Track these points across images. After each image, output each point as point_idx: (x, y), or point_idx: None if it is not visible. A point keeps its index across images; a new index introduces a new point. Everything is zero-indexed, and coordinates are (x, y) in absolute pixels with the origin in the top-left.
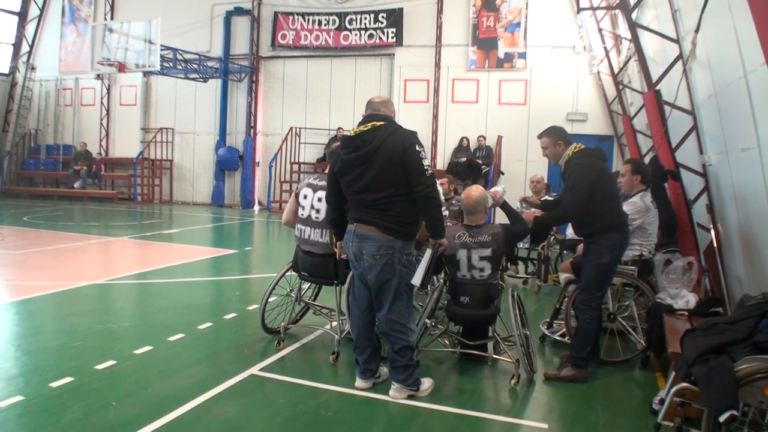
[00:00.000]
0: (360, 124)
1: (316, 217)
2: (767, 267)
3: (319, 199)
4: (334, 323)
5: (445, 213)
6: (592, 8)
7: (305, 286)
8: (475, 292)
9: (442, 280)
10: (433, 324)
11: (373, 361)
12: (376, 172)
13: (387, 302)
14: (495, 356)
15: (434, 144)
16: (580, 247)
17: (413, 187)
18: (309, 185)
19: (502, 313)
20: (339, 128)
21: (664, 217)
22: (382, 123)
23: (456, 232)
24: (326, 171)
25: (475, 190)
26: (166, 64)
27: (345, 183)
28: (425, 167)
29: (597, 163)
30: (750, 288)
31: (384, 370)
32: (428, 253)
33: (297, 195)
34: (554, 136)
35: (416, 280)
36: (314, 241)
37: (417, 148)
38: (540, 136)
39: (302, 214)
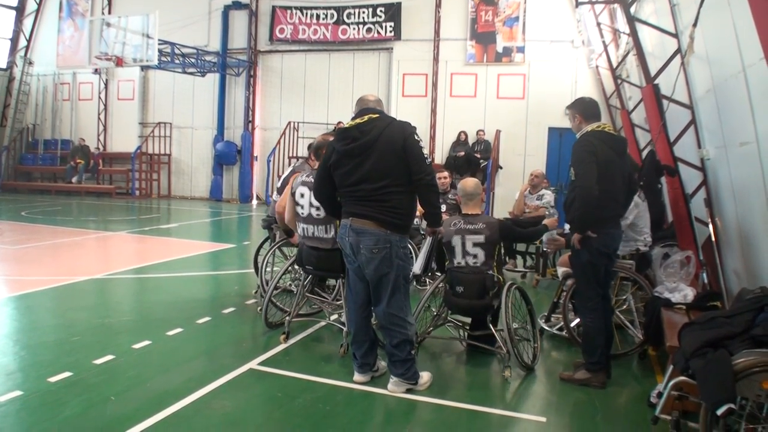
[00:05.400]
0: (355, 117)
1: (318, 214)
2: (765, 261)
3: None
4: (333, 317)
5: (442, 207)
6: (591, 2)
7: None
8: (471, 281)
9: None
10: (436, 313)
11: (370, 354)
12: (374, 161)
13: (385, 296)
14: (495, 349)
15: (432, 138)
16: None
17: (414, 176)
18: (304, 184)
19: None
20: (339, 122)
21: (654, 213)
22: (377, 115)
23: (453, 221)
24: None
25: (470, 179)
26: (163, 59)
27: (340, 175)
28: (425, 155)
29: (604, 150)
30: (748, 282)
31: (382, 363)
32: (428, 241)
33: (293, 195)
34: (573, 109)
35: (417, 268)
36: (320, 237)
37: (416, 137)
38: (566, 108)
39: (302, 213)
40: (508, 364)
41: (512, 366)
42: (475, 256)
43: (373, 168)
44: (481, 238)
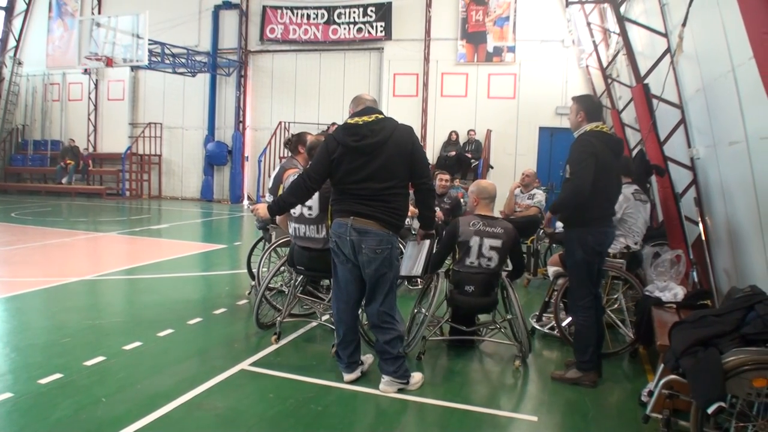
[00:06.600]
0: (360, 114)
1: (309, 214)
2: (754, 260)
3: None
4: (325, 317)
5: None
6: (581, 2)
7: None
8: (480, 281)
9: (442, 272)
10: (427, 314)
11: (356, 353)
12: (382, 162)
13: (381, 295)
14: (497, 340)
15: (423, 138)
16: None
17: (417, 179)
18: None
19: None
20: (333, 123)
21: None
22: (382, 116)
23: (470, 220)
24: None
25: (486, 181)
26: (154, 59)
27: (345, 171)
28: (427, 160)
29: (604, 150)
30: (737, 281)
31: (366, 355)
32: (426, 243)
33: None
34: (579, 105)
35: (417, 269)
36: (311, 237)
37: (419, 143)
38: (572, 99)
39: (294, 212)
40: (519, 354)
41: (522, 357)
42: (489, 259)
43: (381, 168)
44: (498, 243)
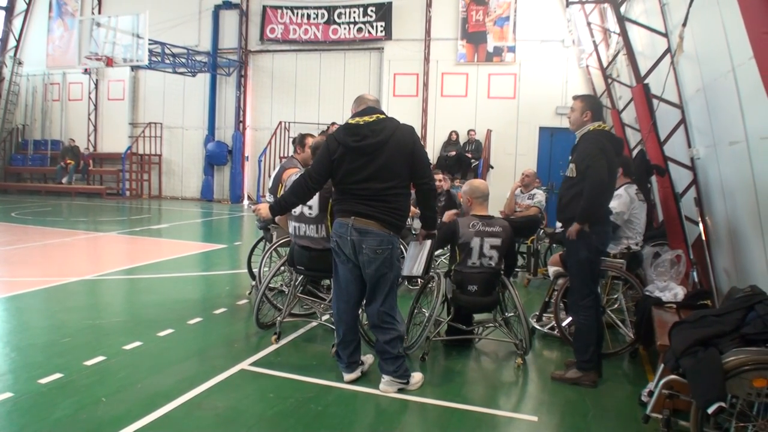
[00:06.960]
0: (361, 114)
1: (309, 213)
2: (755, 260)
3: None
4: (325, 317)
5: None
6: (581, 2)
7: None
8: (482, 280)
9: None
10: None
11: (356, 353)
12: (384, 162)
13: (381, 295)
14: (497, 338)
15: (424, 138)
16: None
17: (419, 179)
18: None
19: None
20: (333, 123)
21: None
22: (384, 116)
23: (470, 222)
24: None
25: (479, 180)
26: (154, 59)
27: (346, 171)
28: (428, 160)
29: (610, 150)
30: (737, 281)
31: (367, 356)
32: (427, 243)
33: None
34: (586, 104)
35: (417, 270)
36: (311, 237)
37: (420, 143)
38: (575, 97)
39: (294, 211)
40: (520, 352)
41: (523, 353)
42: (490, 258)
43: (382, 168)
44: (498, 241)
